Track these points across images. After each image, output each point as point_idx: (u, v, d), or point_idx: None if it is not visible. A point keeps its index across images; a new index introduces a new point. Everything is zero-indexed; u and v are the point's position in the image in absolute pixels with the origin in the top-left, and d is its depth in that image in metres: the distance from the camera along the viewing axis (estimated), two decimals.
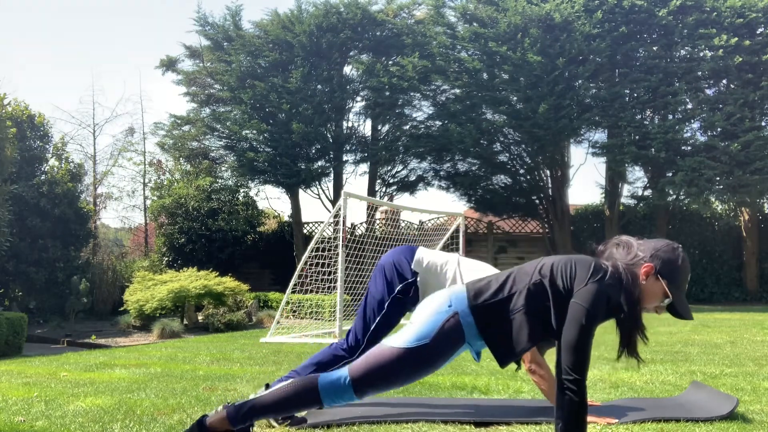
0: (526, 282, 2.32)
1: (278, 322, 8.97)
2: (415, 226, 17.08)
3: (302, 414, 3.15)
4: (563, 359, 2.18)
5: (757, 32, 13.93)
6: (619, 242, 2.38)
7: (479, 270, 3.26)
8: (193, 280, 11.89)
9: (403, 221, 17.57)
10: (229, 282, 12.11)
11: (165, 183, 18.15)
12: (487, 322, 2.31)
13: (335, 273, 8.35)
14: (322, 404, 2.38)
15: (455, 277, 3.26)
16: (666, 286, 2.27)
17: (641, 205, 15.83)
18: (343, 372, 2.35)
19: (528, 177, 16.50)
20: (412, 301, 3.26)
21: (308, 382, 2.39)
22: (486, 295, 2.34)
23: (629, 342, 2.30)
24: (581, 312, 2.19)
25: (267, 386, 3.24)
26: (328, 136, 16.03)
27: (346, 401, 2.38)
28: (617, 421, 3.08)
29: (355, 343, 3.27)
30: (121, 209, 29.10)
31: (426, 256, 3.33)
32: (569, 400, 2.16)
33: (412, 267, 3.26)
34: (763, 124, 13.93)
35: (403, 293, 3.25)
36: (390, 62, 15.95)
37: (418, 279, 3.26)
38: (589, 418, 3.08)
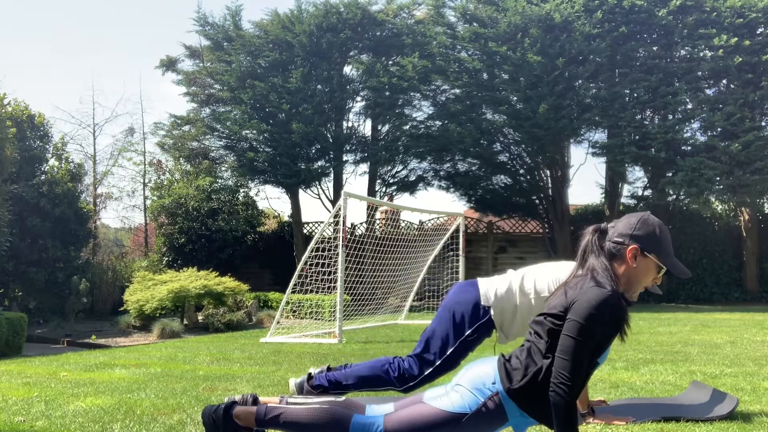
0: (545, 341, 2.25)
1: (278, 322, 8.97)
2: (415, 226, 17.09)
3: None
4: (556, 363, 2.18)
5: (757, 32, 13.93)
6: (593, 232, 2.31)
7: (542, 274, 3.18)
8: (193, 280, 11.89)
9: (403, 221, 17.58)
10: (229, 282, 12.11)
11: (165, 183, 18.14)
12: (529, 401, 2.25)
13: (335, 273, 8.35)
14: None
15: (522, 288, 3.17)
16: (656, 259, 2.25)
17: (641, 205, 15.82)
18: (378, 420, 2.28)
19: (528, 177, 16.50)
20: (486, 333, 3.19)
21: (342, 417, 2.33)
22: (519, 375, 2.26)
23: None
24: (573, 324, 2.17)
25: (309, 376, 3.24)
26: (328, 136, 16.03)
27: None
28: (633, 419, 3.09)
29: (408, 375, 3.17)
30: (121, 209, 29.09)
31: (490, 287, 3.22)
32: (558, 404, 2.16)
33: (482, 303, 3.17)
34: (763, 124, 13.93)
35: (477, 331, 3.18)
36: (390, 62, 15.95)
37: (492, 313, 3.16)
38: (609, 420, 3.09)
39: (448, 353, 3.14)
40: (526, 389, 2.23)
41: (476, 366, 2.36)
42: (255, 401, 2.46)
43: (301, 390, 3.19)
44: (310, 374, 3.25)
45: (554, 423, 2.19)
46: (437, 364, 3.14)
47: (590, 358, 2.19)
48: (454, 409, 2.26)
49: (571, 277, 2.32)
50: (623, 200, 16.10)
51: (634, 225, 2.27)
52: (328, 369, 3.35)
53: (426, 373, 3.15)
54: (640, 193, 15.90)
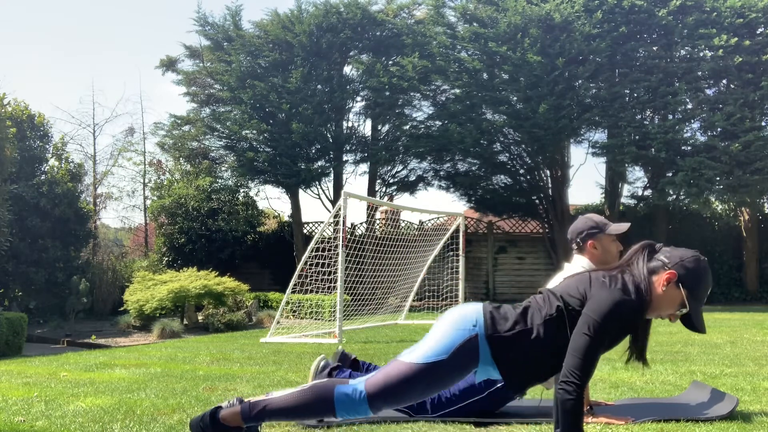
0: (544, 313, 2.28)
1: (278, 322, 8.97)
2: (415, 226, 17.09)
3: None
4: (567, 362, 2.18)
5: (757, 32, 13.93)
6: (643, 247, 2.35)
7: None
8: (193, 280, 11.89)
9: (403, 221, 17.58)
10: (229, 282, 12.10)
11: (165, 183, 18.14)
12: (504, 353, 2.28)
13: (335, 273, 8.35)
14: (336, 415, 2.34)
15: None
16: (685, 296, 2.25)
17: (641, 205, 15.83)
18: (359, 386, 2.31)
19: (528, 177, 16.50)
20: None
21: (324, 391, 2.35)
22: (505, 325, 2.30)
23: (640, 347, 2.30)
24: (588, 321, 2.18)
25: (337, 366, 3.25)
26: (328, 136, 16.03)
27: (361, 415, 2.34)
28: (633, 419, 3.09)
29: (423, 408, 3.17)
30: (121, 209, 29.14)
31: None
32: (566, 401, 2.16)
33: None
34: (763, 124, 13.92)
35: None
36: (390, 62, 15.94)
37: None
38: (608, 420, 3.09)
39: (472, 399, 3.18)
40: (506, 341, 2.27)
41: (459, 308, 2.40)
42: (240, 403, 2.46)
43: (320, 371, 3.21)
44: (336, 365, 3.27)
45: (561, 422, 2.19)
46: (458, 406, 3.17)
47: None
48: (428, 359, 2.28)
49: (600, 270, 2.33)
50: (623, 200, 16.10)
51: (687, 257, 2.30)
52: (354, 361, 3.36)
53: (441, 412, 3.17)
54: (640, 193, 15.92)
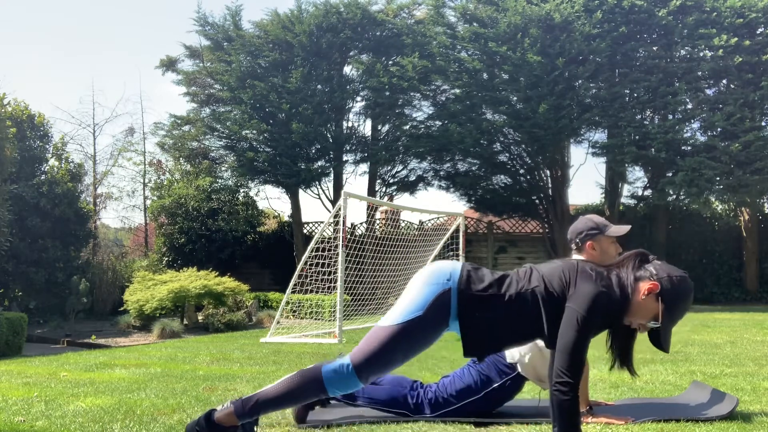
0: (521, 286, 2.31)
1: (278, 322, 8.98)
2: (415, 226, 17.09)
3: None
4: (557, 361, 2.20)
5: (757, 32, 13.92)
6: (637, 254, 2.37)
7: None
8: (193, 280, 11.89)
9: (403, 221, 17.58)
10: (229, 282, 12.11)
11: (165, 183, 18.15)
12: (469, 311, 2.31)
13: (335, 273, 8.35)
14: (327, 393, 2.36)
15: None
16: (661, 311, 2.27)
17: (641, 205, 15.83)
18: (344, 360, 2.34)
19: (528, 177, 16.49)
20: (515, 386, 3.24)
21: (312, 372, 2.38)
22: (479, 285, 2.33)
23: (623, 352, 2.31)
24: (575, 316, 2.20)
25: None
26: (328, 136, 16.03)
27: (351, 389, 2.37)
28: (633, 419, 3.09)
29: (423, 409, 3.19)
30: (121, 209, 29.16)
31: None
32: (562, 401, 2.18)
33: (508, 361, 3.21)
34: (763, 124, 13.92)
35: (503, 385, 3.22)
36: (390, 62, 15.94)
37: (520, 369, 3.21)
38: (608, 420, 3.09)
39: (469, 400, 3.19)
40: (475, 300, 2.30)
41: (432, 265, 2.43)
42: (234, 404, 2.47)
43: None
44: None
45: (558, 422, 2.20)
46: (456, 407, 3.19)
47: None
48: (405, 318, 2.30)
49: (590, 263, 2.35)
50: (623, 200, 16.10)
51: (675, 274, 2.30)
52: None
53: (441, 412, 3.18)
54: (640, 193, 15.91)
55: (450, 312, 2.31)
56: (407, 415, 3.17)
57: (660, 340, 2.30)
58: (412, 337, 2.30)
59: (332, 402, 3.38)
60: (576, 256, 3.30)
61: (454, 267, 2.38)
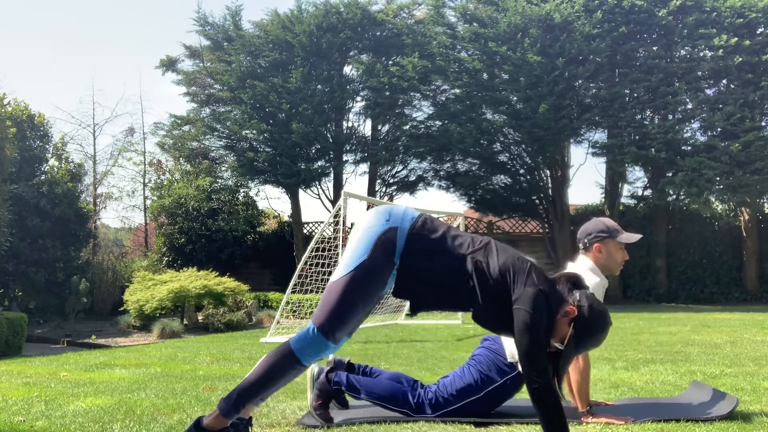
0: (470, 251, 2.35)
1: (278, 322, 8.97)
2: None
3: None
4: (525, 369, 2.24)
5: (757, 32, 13.93)
6: (571, 278, 2.41)
7: None
8: (193, 280, 11.89)
9: None
10: (229, 282, 12.10)
11: (165, 183, 18.15)
12: (413, 254, 2.34)
13: None
14: (302, 363, 2.36)
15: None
16: (569, 335, 2.29)
17: (641, 205, 15.83)
18: (309, 326, 2.36)
19: (528, 177, 16.50)
20: (514, 386, 3.24)
21: (282, 348, 2.39)
22: (432, 234, 2.36)
23: (555, 368, 2.32)
24: (526, 316, 2.23)
25: (332, 369, 3.26)
26: (328, 136, 16.03)
27: (324, 352, 2.37)
28: (633, 419, 3.09)
29: (424, 409, 3.18)
30: (121, 209, 29.13)
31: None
32: (540, 400, 2.22)
33: (509, 360, 3.22)
34: (763, 124, 13.93)
35: (504, 384, 3.22)
36: (390, 62, 15.95)
37: (520, 368, 3.23)
38: (608, 420, 3.09)
39: (469, 399, 3.19)
40: (423, 245, 2.34)
41: (368, 212, 2.48)
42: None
43: (316, 377, 3.21)
44: (333, 367, 3.27)
45: (544, 420, 2.24)
46: (456, 406, 3.19)
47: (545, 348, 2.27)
48: (352, 266, 2.33)
49: (540, 269, 2.38)
50: (623, 200, 16.10)
51: (595, 308, 2.34)
52: (349, 363, 3.36)
53: (441, 412, 3.18)
54: (640, 193, 15.92)
55: (395, 251, 2.34)
56: (409, 414, 3.17)
57: (558, 363, 2.32)
58: (365, 282, 2.32)
59: (350, 403, 3.39)
60: (582, 257, 3.31)
61: (393, 208, 2.43)
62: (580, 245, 3.32)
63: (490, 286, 2.29)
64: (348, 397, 3.39)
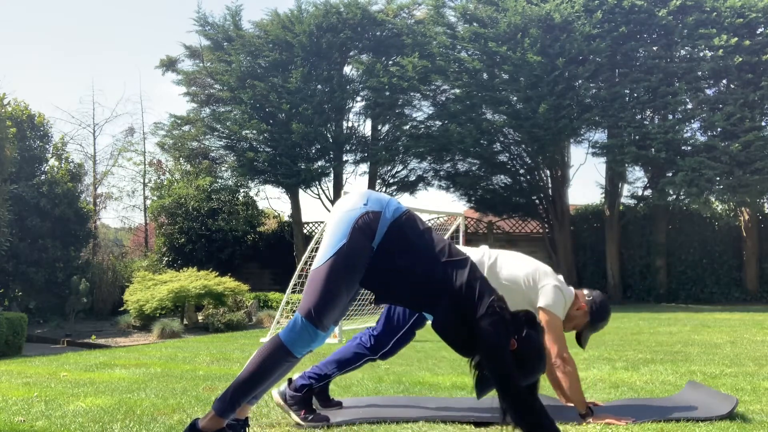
0: (445, 259, 2.36)
1: (278, 322, 8.97)
2: None
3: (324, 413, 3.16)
4: (504, 399, 2.29)
5: (757, 32, 13.93)
6: (526, 314, 2.41)
7: (518, 266, 3.32)
8: (193, 280, 11.88)
9: None
10: (229, 282, 12.10)
11: (165, 183, 18.14)
12: (389, 249, 2.35)
13: None
14: (295, 355, 2.37)
15: (492, 267, 3.28)
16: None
17: (641, 205, 15.82)
18: (296, 317, 2.37)
19: (528, 177, 16.50)
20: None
21: (272, 342, 2.40)
22: (411, 233, 2.38)
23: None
24: (491, 338, 2.26)
25: (290, 381, 3.24)
26: (328, 136, 16.03)
27: (314, 341, 2.37)
28: (633, 419, 3.09)
29: (377, 343, 3.26)
30: (121, 209, 29.01)
31: None
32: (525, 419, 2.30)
33: None
34: (763, 124, 13.93)
35: None
36: (390, 62, 15.94)
37: None
38: (608, 420, 3.09)
39: (413, 320, 3.24)
40: (401, 241, 2.35)
41: (342, 198, 2.50)
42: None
43: (284, 397, 3.20)
44: (290, 379, 3.26)
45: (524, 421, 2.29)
46: (404, 330, 3.24)
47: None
48: (332, 252, 2.34)
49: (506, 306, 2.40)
50: (623, 200, 16.10)
51: (535, 343, 2.36)
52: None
53: (395, 339, 3.24)
54: (640, 193, 15.90)
55: (375, 236, 2.35)
56: (373, 359, 3.25)
57: (481, 381, 2.38)
58: (346, 266, 2.33)
59: (349, 403, 3.41)
60: (564, 283, 3.35)
61: (371, 192, 2.46)
62: (585, 292, 3.35)
63: (456, 297, 2.30)
64: (341, 399, 3.41)
